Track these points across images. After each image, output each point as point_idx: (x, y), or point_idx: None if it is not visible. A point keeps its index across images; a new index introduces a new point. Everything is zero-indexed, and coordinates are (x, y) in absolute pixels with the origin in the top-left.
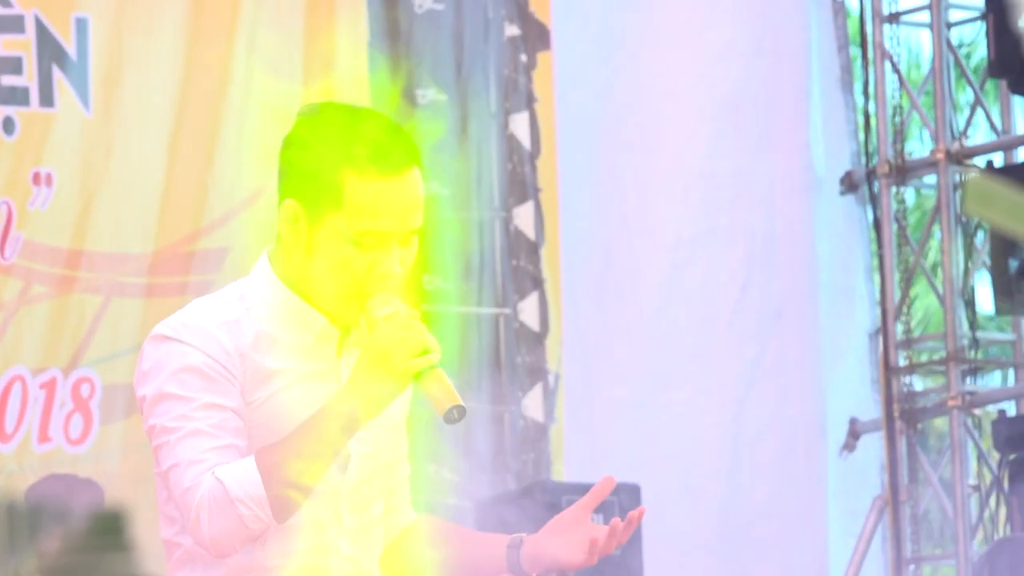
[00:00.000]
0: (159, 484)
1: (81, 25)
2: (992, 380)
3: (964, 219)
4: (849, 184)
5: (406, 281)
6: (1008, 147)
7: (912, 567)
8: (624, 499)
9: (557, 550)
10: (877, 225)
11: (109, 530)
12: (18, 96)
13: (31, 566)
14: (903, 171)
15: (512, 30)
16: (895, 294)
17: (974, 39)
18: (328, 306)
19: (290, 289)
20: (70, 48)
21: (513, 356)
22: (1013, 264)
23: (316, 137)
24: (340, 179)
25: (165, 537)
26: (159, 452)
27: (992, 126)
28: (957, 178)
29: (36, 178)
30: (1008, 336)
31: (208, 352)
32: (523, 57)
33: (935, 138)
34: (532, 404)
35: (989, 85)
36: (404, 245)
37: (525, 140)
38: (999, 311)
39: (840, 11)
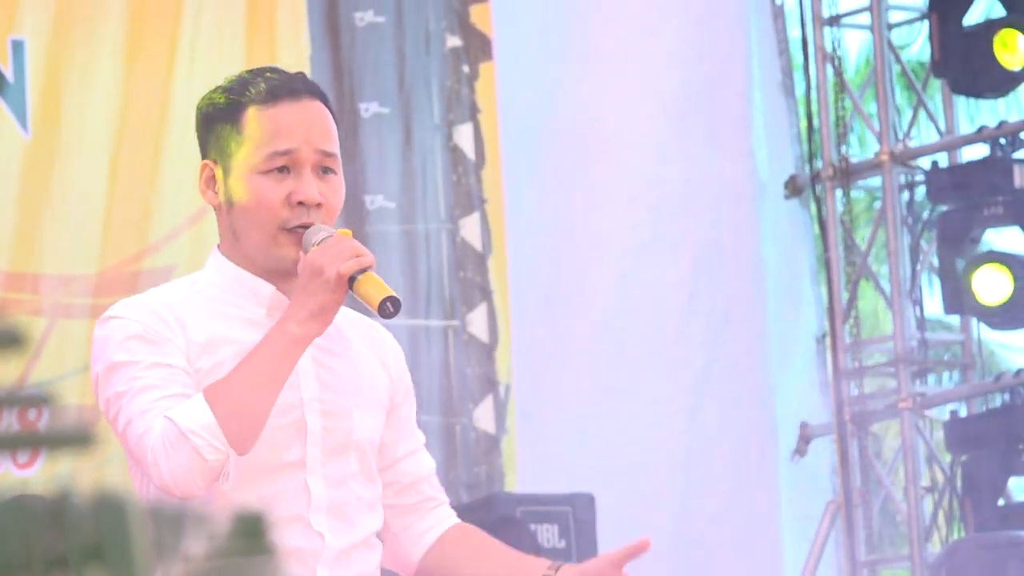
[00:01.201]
0: (133, 475)
1: (17, 48)
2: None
3: (910, 220)
4: (793, 188)
5: None
6: (952, 147)
7: (866, 571)
8: (579, 509)
9: None
10: (823, 228)
11: (252, 533)
12: None
13: (178, 571)
14: (847, 174)
15: (454, 41)
16: (842, 297)
17: (911, 40)
18: (265, 259)
19: (236, 265)
20: (7, 71)
21: (463, 368)
22: (960, 263)
23: (216, 95)
24: (240, 116)
25: None
26: (116, 419)
27: (935, 126)
28: (902, 179)
29: None
30: (957, 336)
31: (147, 322)
32: (465, 68)
33: (879, 139)
34: (483, 416)
35: (931, 85)
36: (324, 173)
37: (470, 151)
38: (948, 311)
39: (779, 15)
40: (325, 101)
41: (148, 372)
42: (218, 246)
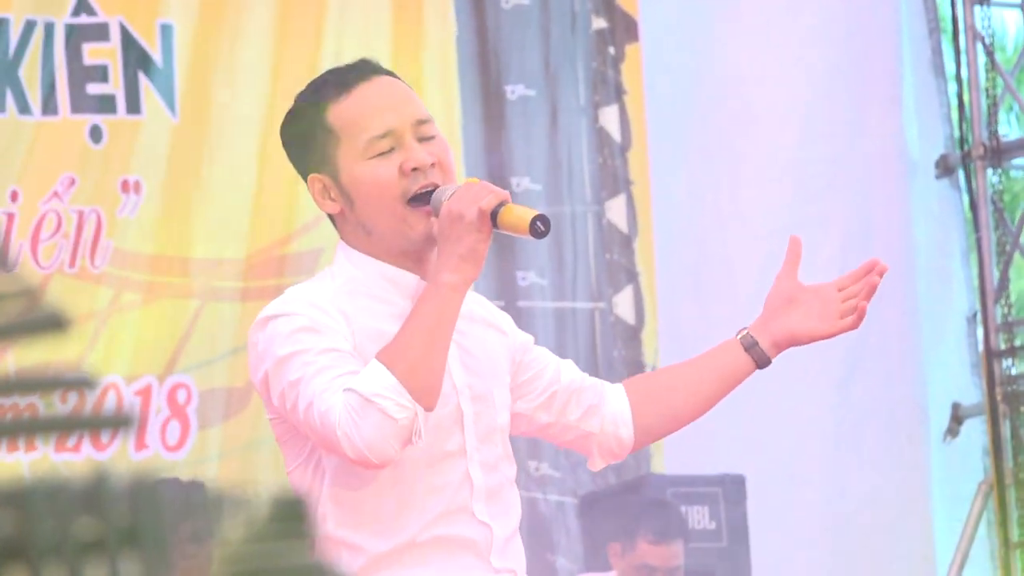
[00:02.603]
0: (292, 480)
1: (166, 31)
2: None
3: None
4: (944, 168)
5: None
6: None
7: (1019, 552)
8: (728, 490)
9: (811, 325)
10: (973, 208)
11: (291, 517)
12: (105, 104)
13: (215, 555)
14: (998, 153)
15: (599, 23)
16: (993, 277)
17: None
18: (400, 241)
19: (373, 258)
20: (155, 54)
21: (609, 350)
22: None
23: (295, 110)
24: (324, 120)
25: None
26: (295, 406)
27: None
28: None
29: (124, 186)
30: None
31: (310, 314)
32: (611, 50)
33: None
34: None
35: None
36: (424, 138)
37: (615, 133)
38: None
39: None
40: (391, 75)
41: (319, 357)
42: (345, 243)
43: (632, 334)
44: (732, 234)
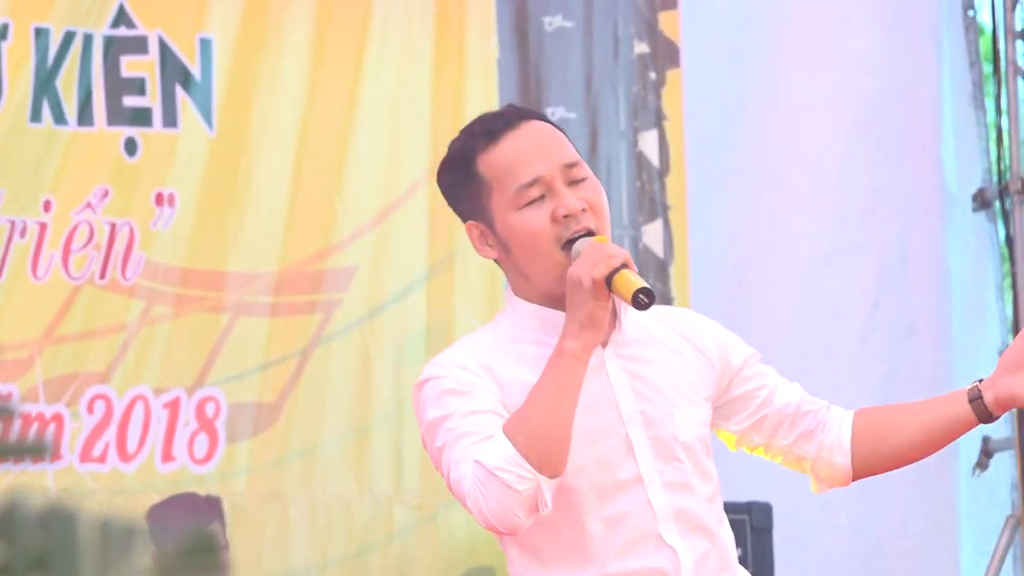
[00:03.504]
0: (504, 548)
1: (205, 46)
2: None
3: None
4: (981, 201)
5: None
6: None
7: None
8: (756, 517)
9: None
10: (1009, 242)
11: (200, 550)
12: (141, 117)
13: None
14: None
15: (641, 48)
16: None
17: None
18: (558, 285)
19: (530, 302)
20: (194, 68)
21: None
22: None
23: (448, 159)
24: (476, 169)
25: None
26: (445, 473)
27: None
28: None
29: (159, 199)
30: None
31: (454, 375)
32: (652, 75)
33: None
34: None
35: None
36: (575, 183)
37: (654, 158)
38: None
39: (972, 27)
40: (543, 118)
41: (462, 421)
42: (510, 289)
43: None
44: (770, 261)
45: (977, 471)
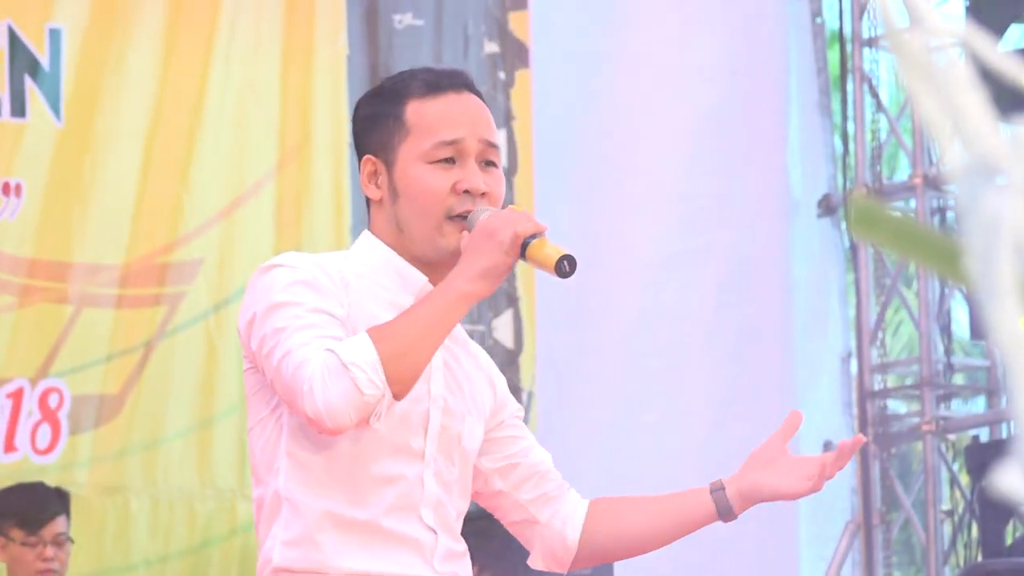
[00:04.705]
0: (252, 437)
1: (54, 35)
2: (967, 406)
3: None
4: (827, 207)
5: None
6: None
7: None
8: None
9: (777, 482)
10: (853, 249)
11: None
12: None
13: None
14: (881, 195)
15: (491, 47)
16: (871, 318)
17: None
18: (428, 248)
19: (391, 248)
20: (43, 58)
21: None
22: None
23: (373, 94)
24: (402, 110)
25: (254, 497)
26: (271, 353)
27: None
28: (935, 203)
29: (6, 188)
30: (982, 362)
31: (314, 272)
32: (501, 75)
33: (913, 163)
34: None
35: None
36: (486, 163)
37: (503, 158)
38: (975, 336)
39: (820, 34)
40: (479, 93)
41: (310, 314)
42: (369, 231)
43: (511, 358)
44: (614, 263)
45: None
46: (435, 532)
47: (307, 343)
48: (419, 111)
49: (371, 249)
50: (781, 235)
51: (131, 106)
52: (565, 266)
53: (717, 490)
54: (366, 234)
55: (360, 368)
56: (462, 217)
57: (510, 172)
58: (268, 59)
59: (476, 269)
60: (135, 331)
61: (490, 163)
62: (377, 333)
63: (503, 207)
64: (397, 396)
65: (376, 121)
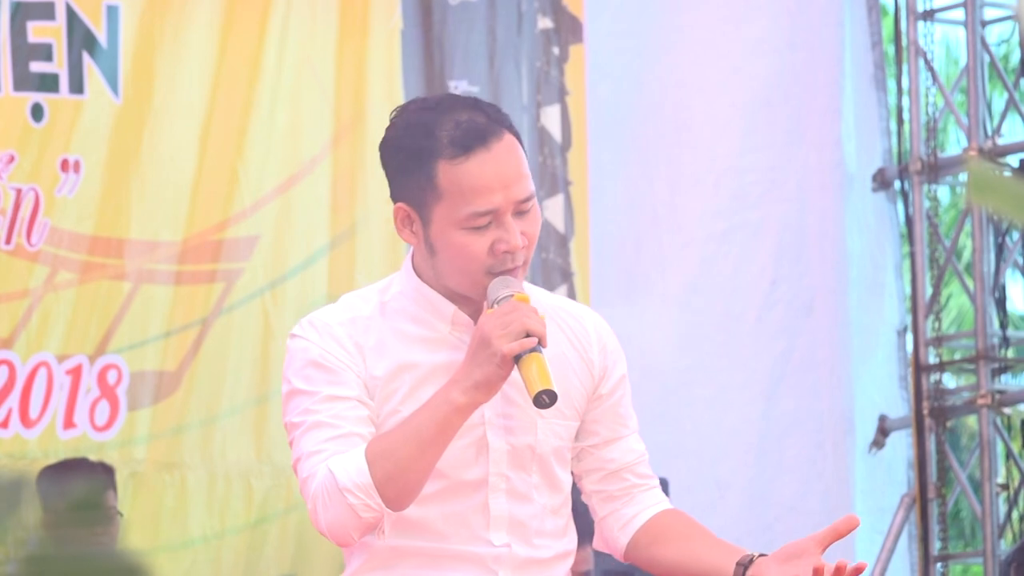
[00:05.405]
0: None
1: (112, 13)
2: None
3: (996, 218)
4: (881, 181)
5: None
6: None
7: (939, 565)
8: None
9: (782, 571)
10: (908, 223)
11: (87, 506)
12: (48, 83)
13: (10, 539)
14: (935, 169)
15: (545, 23)
16: (926, 291)
17: (1010, 37)
18: (465, 292)
19: (423, 282)
20: (101, 35)
21: None
22: None
23: (404, 136)
24: (432, 171)
25: None
26: (291, 446)
27: None
28: None
29: (64, 165)
30: None
31: (326, 345)
32: (555, 50)
33: (968, 136)
34: None
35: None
36: (521, 214)
37: (556, 133)
38: None
39: (874, 7)
40: (510, 128)
41: (322, 406)
42: (413, 261)
43: None
44: (667, 238)
45: (873, 449)
46: (508, 545)
47: (314, 451)
48: (450, 176)
49: (409, 278)
50: (835, 209)
51: (188, 82)
52: (544, 399)
53: (743, 564)
54: (407, 266)
55: (354, 495)
56: (501, 274)
57: (564, 147)
58: (324, 35)
59: (471, 381)
60: (192, 308)
61: (524, 212)
62: (373, 452)
63: (515, 290)
64: (396, 511)
65: (406, 173)
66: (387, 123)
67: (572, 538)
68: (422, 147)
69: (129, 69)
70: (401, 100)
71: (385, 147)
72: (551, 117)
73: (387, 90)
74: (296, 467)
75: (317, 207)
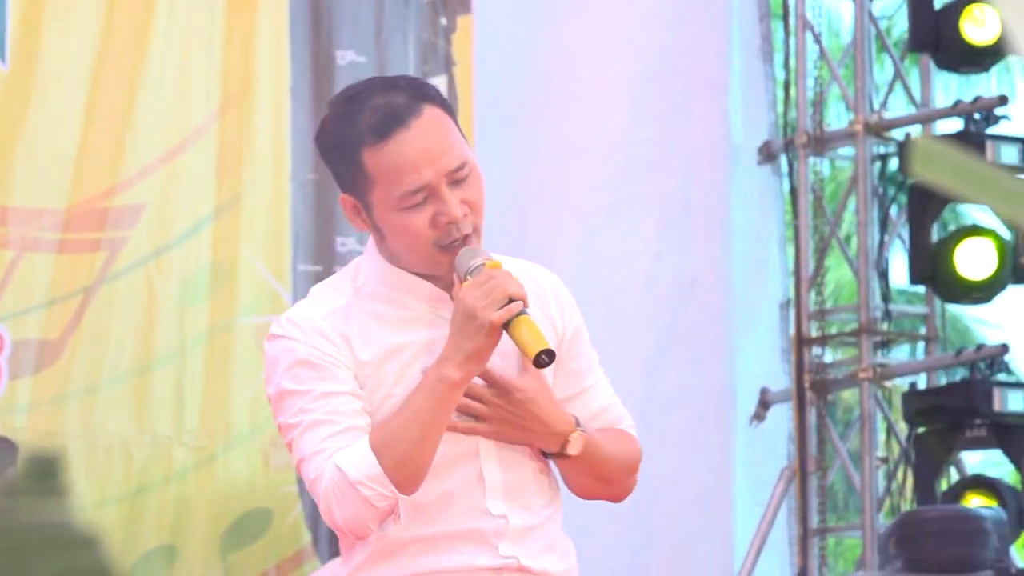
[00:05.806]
0: None
1: None
2: (903, 353)
3: (880, 191)
4: (767, 154)
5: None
6: (927, 120)
7: (818, 538)
8: None
9: None
10: (793, 195)
11: (44, 474)
12: None
13: None
14: (821, 142)
15: None
16: (809, 265)
17: (895, 11)
18: (425, 270)
19: (391, 264)
20: None
21: None
22: (933, 235)
23: (333, 129)
24: (360, 160)
25: None
26: (290, 447)
27: (911, 99)
28: (874, 150)
29: None
30: (920, 309)
31: (312, 341)
32: (443, 20)
33: (854, 109)
34: None
35: (909, 58)
36: (458, 183)
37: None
38: (914, 282)
39: None
40: (433, 100)
41: (317, 404)
42: (374, 244)
43: None
44: (553, 211)
45: (754, 422)
46: (505, 517)
47: (317, 451)
48: (375, 161)
49: (374, 260)
50: (721, 182)
51: (75, 50)
52: (543, 359)
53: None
54: (371, 249)
55: (367, 486)
56: (450, 245)
57: None
58: (212, 3)
59: (463, 355)
60: (76, 276)
61: (461, 180)
62: (377, 440)
63: (485, 258)
64: (408, 495)
65: (340, 164)
66: (274, 93)
67: (558, 494)
68: (348, 138)
69: (16, 35)
70: (288, 70)
71: (319, 142)
72: (438, 87)
73: (274, 60)
74: (300, 468)
75: (203, 176)
